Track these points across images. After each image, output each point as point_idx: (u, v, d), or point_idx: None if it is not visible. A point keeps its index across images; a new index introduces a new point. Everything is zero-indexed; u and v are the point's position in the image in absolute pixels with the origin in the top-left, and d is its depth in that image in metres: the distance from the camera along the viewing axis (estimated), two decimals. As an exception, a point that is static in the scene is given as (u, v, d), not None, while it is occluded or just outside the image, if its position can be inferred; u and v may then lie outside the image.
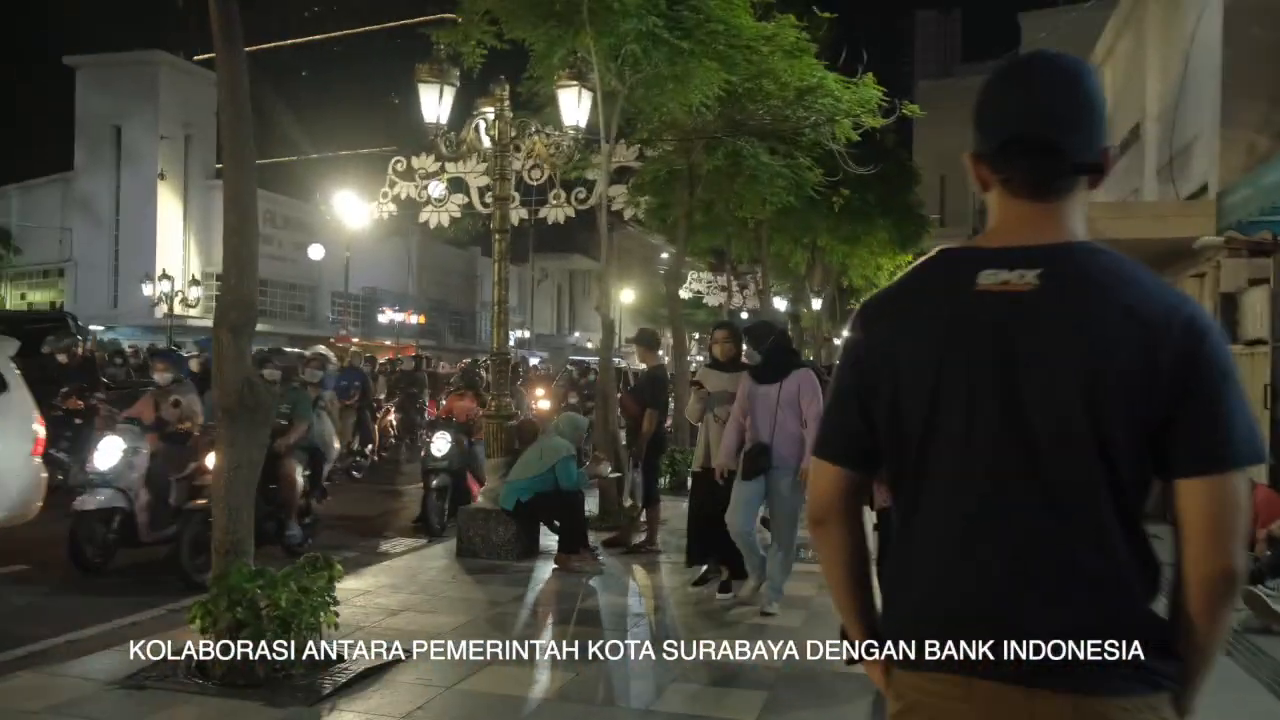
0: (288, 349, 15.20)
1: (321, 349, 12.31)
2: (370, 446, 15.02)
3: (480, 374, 15.47)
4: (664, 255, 48.32)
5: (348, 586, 6.56)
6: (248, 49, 4.62)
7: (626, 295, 53.06)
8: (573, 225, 12.44)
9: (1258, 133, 11.24)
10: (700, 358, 48.04)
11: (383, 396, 17.69)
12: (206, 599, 4.55)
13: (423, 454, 10.31)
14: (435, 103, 7.67)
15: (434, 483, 9.48)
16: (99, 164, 37.96)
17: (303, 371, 9.49)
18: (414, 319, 39.77)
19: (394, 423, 17.34)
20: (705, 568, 7.19)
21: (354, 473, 13.75)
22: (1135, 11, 15.59)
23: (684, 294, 40.20)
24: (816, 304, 25.12)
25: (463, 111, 9.58)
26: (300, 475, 7.92)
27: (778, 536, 6.40)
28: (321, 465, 8.59)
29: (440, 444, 9.64)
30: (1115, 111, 17.43)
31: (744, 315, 40.85)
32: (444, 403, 12.30)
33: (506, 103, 8.33)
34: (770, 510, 6.50)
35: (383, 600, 6.57)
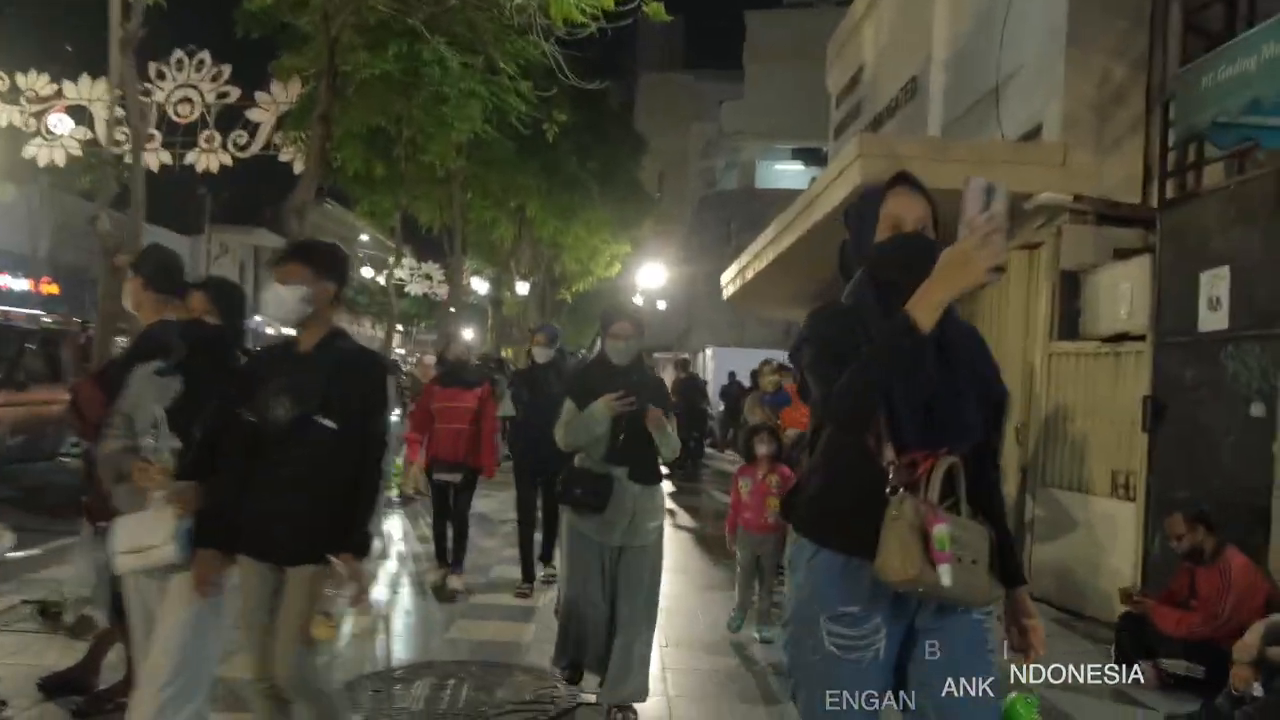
0: None
1: None
2: None
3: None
4: (365, 237, 42.48)
5: None
6: None
7: (320, 279, 46.58)
8: (259, 196, 8.76)
9: (1112, 58, 8.07)
10: (400, 351, 42.56)
11: None
12: None
13: None
14: None
15: None
16: None
17: None
18: (42, 288, 31.83)
19: None
20: None
21: None
22: (912, -54, 12.49)
23: (384, 281, 34.89)
24: (523, 289, 20.79)
25: None
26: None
27: None
28: None
29: None
30: (878, 73, 14.37)
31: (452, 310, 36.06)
32: None
33: None
34: None
35: None
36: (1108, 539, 6.80)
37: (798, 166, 38.25)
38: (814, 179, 28.04)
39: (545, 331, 6.94)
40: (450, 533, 6.84)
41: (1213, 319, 6.05)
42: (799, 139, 36.73)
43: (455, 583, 6.53)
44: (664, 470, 4.36)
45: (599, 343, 4.53)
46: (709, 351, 31.39)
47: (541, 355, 6.71)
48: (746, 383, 20.39)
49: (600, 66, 10.99)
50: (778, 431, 6.12)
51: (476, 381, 6.77)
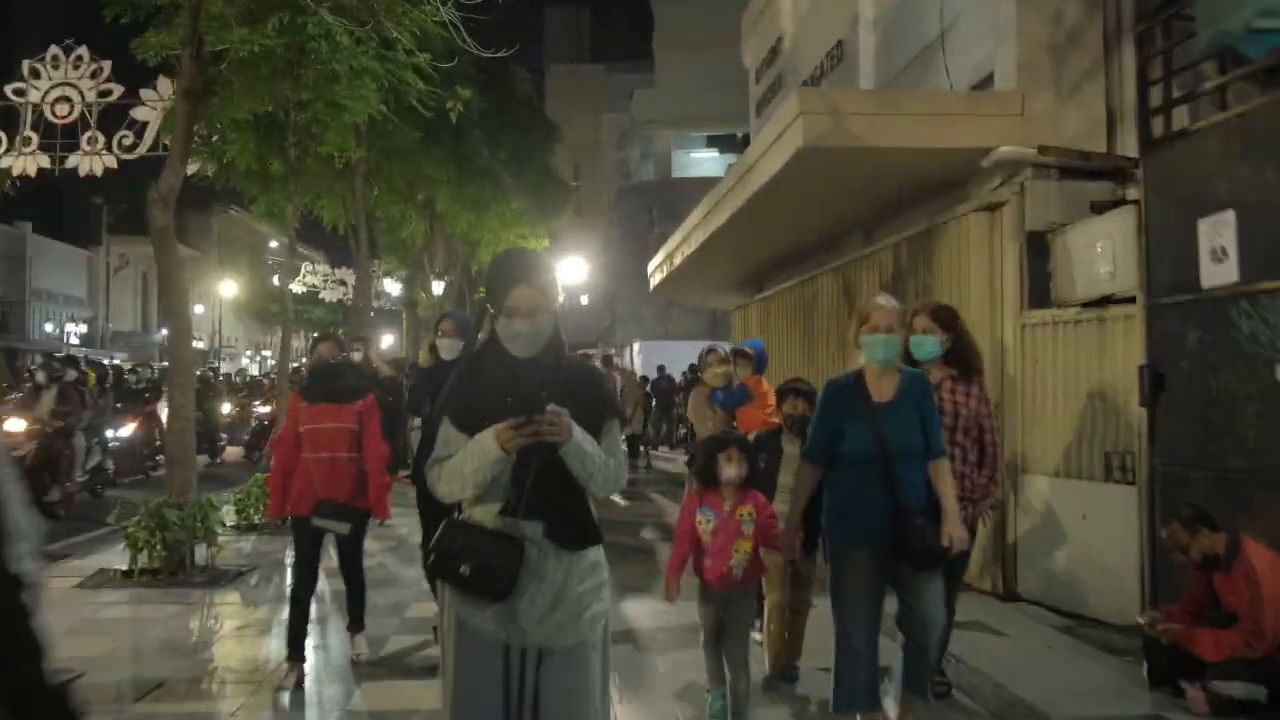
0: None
1: None
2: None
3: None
4: (274, 244, 40.52)
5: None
6: None
7: (229, 288, 44.59)
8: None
9: (1066, -4, 7.28)
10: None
11: None
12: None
13: None
14: None
15: None
16: None
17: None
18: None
19: None
20: None
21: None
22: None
23: (297, 288, 32.95)
24: (439, 288, 19.56)
25: None
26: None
27: None
28: None
29: None
30: (799, 42, 13.53)
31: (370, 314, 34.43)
32: None
33: None
34: None
35: None
36: (1106, 529, 5.98)
37: (713, 154, 37.59)
38: (731, 166, 27.40)
39: (453, 319, 5.61)
40: (319, 593, 5.40)
41: (1219, 272, 5.24)
42: (713, 125, 36.07)
43: (360, 647, 5.21)
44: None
45: (489, 325, 2.68)
46: (636, 346, 30.47)
47: (448, 349, 5.36)
48: (677, 375, 19.50)
49: (504, 24, 9.91)
50: (747, 444, 4.31)
51: (357, 393, 4.99)
